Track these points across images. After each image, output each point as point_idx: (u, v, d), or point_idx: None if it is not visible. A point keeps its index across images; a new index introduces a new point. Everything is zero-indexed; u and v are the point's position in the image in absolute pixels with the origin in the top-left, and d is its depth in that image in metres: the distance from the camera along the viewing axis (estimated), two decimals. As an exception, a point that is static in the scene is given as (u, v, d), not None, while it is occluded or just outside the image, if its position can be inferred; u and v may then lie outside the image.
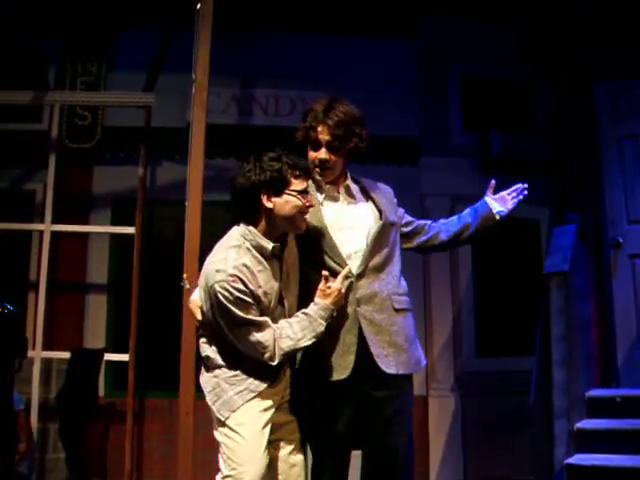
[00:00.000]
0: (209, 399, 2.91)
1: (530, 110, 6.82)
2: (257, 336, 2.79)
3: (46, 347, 5.45)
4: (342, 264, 3.01)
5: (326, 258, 3.03)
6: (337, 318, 2.98)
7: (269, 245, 2.89)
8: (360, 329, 3.01)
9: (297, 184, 2.89)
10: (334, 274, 2.97)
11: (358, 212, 3.17)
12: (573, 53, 6.31)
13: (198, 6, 4.17)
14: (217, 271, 2.77)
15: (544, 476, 4.91)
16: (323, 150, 3.09)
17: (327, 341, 2.97)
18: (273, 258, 2.93)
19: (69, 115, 6.12)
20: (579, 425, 4.95)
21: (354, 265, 3.04)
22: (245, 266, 2.80)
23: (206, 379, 2.95)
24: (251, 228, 2.90)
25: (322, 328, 2.86)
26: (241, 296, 2.76)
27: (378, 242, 3.10)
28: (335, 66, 6.43)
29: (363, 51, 6.51)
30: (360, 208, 3.19)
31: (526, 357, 5.50)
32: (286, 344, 2.82)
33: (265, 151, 2.93)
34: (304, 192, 2.91)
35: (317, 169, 3.11)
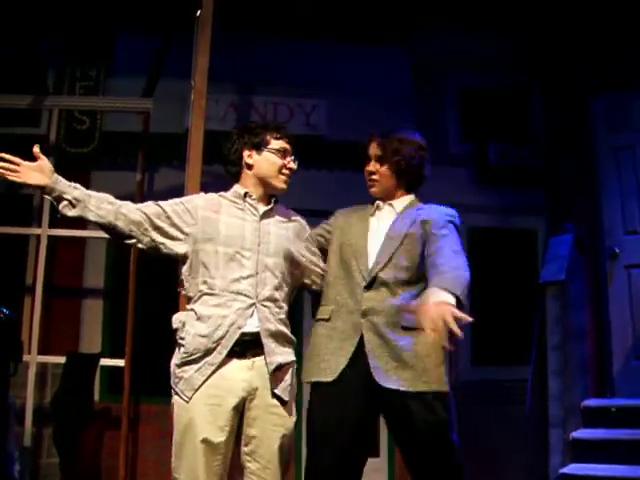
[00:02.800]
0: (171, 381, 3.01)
1: (527, 120, 6.84)
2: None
3: (42, 351, 5.45)
4: (363, 270, 3.08)
5: (352, 261, 3.13)
6: (341, 325, 3.05)
7: (241, 189, 3.07)
8: (361, 339, 3.02)
9: (276, 144, 3.09)
10: (351, 277, 3.09)
11: (394, 227, 3.20)
12: (571, 64, 6.34)
13: (198, 13, 4.19)
14: None
15: (539, 486, 4.91)
16: (371, 163, 3.30)
17: (325, 344, 3.05)
18: (254, 209, 3.05)
19: (67, 120, 6.13)
20: (574, 435, 4.96)
21: (368, 275, 3.08)
22: (211, 197, 3.11)
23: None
24: (236, 184, 3.14)
25: None
26: (184, 199, 3.07)
27: (391, 255, 3.11)
28: (333, 74, 6.46)
29: (361, 60, 6.53)
30: (397, 224, 3.20)
31: (522, 366, 5.51)
32: None
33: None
34: (284, 152, 3.10)
35: (368, 182, 3.33)
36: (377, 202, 3.31)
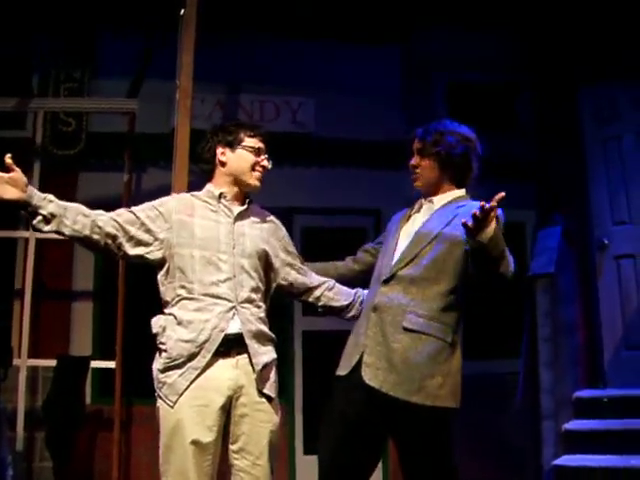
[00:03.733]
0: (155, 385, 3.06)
1: (517, 114, 6.86)
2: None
3: (32, 355, 5.42)
4: (387, 264, 3.12)
5: (380, 261, 3.22)
6: (360, 320, 3.13)
7: (215, 189, 3.05)
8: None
9: (250, 142, 3.08)
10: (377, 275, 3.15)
11: (425, 225, 3.16)
12: (559, 58, 6.35)
13: (182, 12, 4.17)
14: None
15: (532, 478, 4.92)
16: (414, 157, 3.30)
17: (350, 339, 3.16)
18: (227, 210, 3.03)
19: (53, 122, 6.09)
20: (566, 426, 4.98)
21: (389, 271, 3.09)
22: (184, 198, 3.11)
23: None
24: (208, 184, 3.12)
25: None
26: (156, 203, 3.03)
27: (416, 253, 3.07)
28: (320, 72, 6.45)
29: (348, 57, 6.53)
30: (430, 223, 3.15)
31: (512, 359, 5.53)
32: None
33: None
34: (258, 150, 3.09)
35: (412, 177, 3.31)
36: (420, 200, 3.31)
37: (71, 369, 5.37)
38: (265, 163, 3.10)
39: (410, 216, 3.29)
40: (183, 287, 2.89)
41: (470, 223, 2.68)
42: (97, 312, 6.04)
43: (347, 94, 6.44)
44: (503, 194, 2.72)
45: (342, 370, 3.08)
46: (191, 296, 2.87)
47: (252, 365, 2.86)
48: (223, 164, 3.06)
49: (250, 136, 3.10)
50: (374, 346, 2.98)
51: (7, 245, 5.87)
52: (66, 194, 6.00)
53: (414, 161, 3.27)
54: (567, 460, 4.78)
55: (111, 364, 5.44)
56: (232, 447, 2.88)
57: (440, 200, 3.22)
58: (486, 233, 2.72)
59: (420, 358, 2.93)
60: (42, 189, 5.57)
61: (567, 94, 6.32)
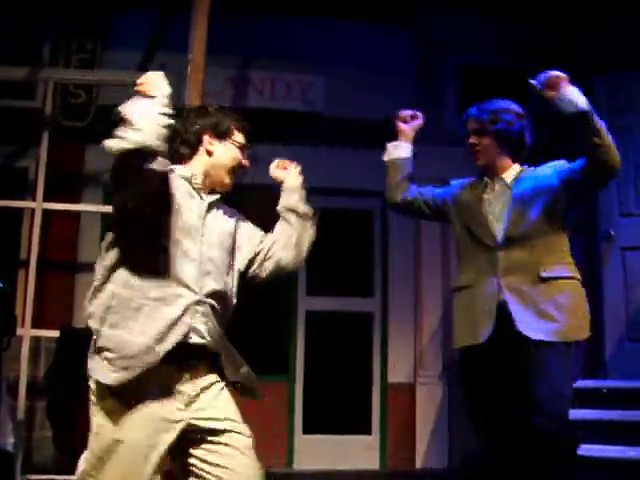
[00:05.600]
0: None
1: (526, 99, 6.81)
2: None
3: (35, 325, 5.43)
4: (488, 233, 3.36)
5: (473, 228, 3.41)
6: (475, 287, 3.32)
7: (189, 174, 2.74)
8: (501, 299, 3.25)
9: (239, 137, 2.89)
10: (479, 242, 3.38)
11: (515, 195, 3.43)
12: (573, 44, 6.30)
13: (196, -14, 4.15)
14: None
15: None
16: (472, 136, 3.48)
17: (464, 310, 3.35)
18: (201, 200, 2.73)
19: (63, 93, 6.07)
20: (566, 415, 4.98)
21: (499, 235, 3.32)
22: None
23: None
24: (180, 166, 2.78)
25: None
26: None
27: (519, 213, 3.34)
28: (332, 50, 6.42)
29: (361, 36, 6.49)
30: (519, 187, 3.45)
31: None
32: None
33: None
34: (242, 146, 2.89)
35: (474, 155, 3.50)
36: (485, 179, 3.47)
37: (74, 341, 5.37)
38: (246, 163, 2.90)
39: (482, 196, 3.46)
40: None
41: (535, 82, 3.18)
42: (101, 285, 6.05)
43: (358, 74, 6.42)
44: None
45: (476, 339, 3.27)
46: None
47: None
48: (209, 153, 2.81)
49: (238, 129, 2.90)
50: (516, 306, 3.21)
51: (13, 215, 5.87)
52: (74, 166, 6.08)
53: (473, 140, 3.44)
54: (565, 449, 4.79)
55: (114, 337, 5.44)
56: None
57: (509, 177, 3.47)
58: (570, 102, 3.37)
59: (566, 299, 3.29)
60: (50, 160, 5.63)
61: (580, 81, 6.26)
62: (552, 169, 3.53)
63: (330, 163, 6.21)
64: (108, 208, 5.72)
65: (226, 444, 2.52)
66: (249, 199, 6.00)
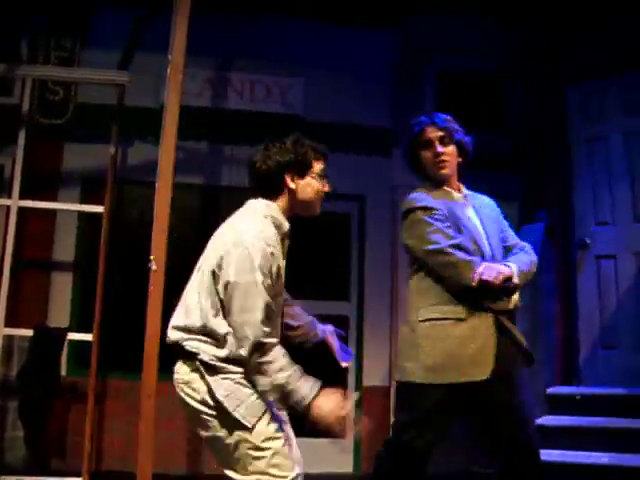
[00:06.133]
0: (228, 405, 2.66)
1: (502, 107, 6.86)
2: (259, 308, 2.62)
3: (9, 324, 5.38)
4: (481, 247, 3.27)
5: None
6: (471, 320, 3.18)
7: (286, 223, 2.87)
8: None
9: (318, 166, 2.93)
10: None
11: (485, 214, 3.42)
12: (547, 53, 6.35)
13: (177, -14, 4.12)
14: (255, 236, 2.69)
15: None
16: (436, 145, 3.32)
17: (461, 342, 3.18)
18: (284, 240, 2.88)
19: (41, 90, 6.04)
20: (539, 421, 5.02)
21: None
22: (275, 235, 2.78)
23: (216, 384, 2.69)
24: (270, 203, 2.86)
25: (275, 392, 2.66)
26: (270, 260, 2.68)
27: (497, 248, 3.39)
28: (311, 53, 6.43)
29: (340, 40, 6.50)
30: (483, 211, 3.44)
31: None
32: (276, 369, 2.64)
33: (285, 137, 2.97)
34: (322, 175, 2.94)
35: (438, 165, 3.32)
36: (446, 189, 3.37)
37: (48, 340, 5.34)
38: (327, 189, 2.97)
39: (462, 210, 3.36)
40: None
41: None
42: (76, 284, 6.02)
43: (337, 78, 6.43)
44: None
45: (476, 373, 3.14)
46: None
47: None
48: (291, 190, 2.87)
49: (317, 160, 2.94)
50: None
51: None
52: (51, 164, 6.04)
53: (440, 149, 3.30)
54: (538, 455, 4.82)
55: (88, 337, 5.41)
56: None
57: (469, 193, 3.46)
58: (514, 301, 3.17)
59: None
60: (27, 158, 5.59)
61: (555, 90, 6.33)
62: (498, 213, 3.50)
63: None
64: (85, 207, 5.72)
65: None
66: (227, 201, 6.01)
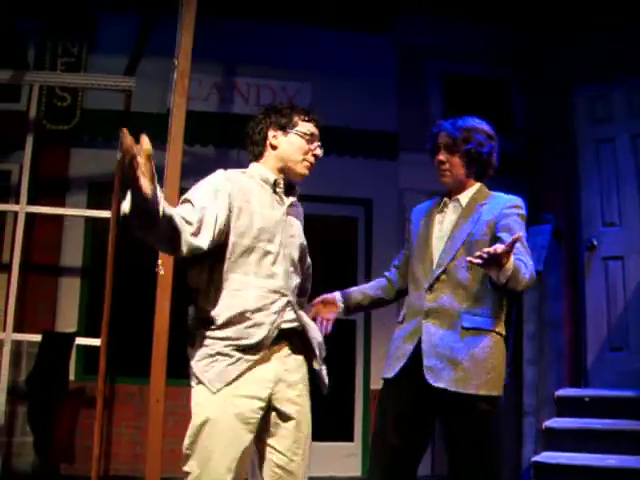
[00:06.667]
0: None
1: (509, 109, 6.86)
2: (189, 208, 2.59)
3: (17, 329, 5.40)
4: (427, 270, 3.16)
5: (419, 265, 3.21)
6: (407, 325, 3.19)
7: (272, 176, 2.83)
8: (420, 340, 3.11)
9: (304, 126, 2.88)
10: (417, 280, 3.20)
11: (457, 226, 3.20)
12: (554, 55, 6.34)
13: (183, -8, 4.14)
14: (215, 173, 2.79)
15: (511, 473, 4.95)
16: (441, 152, 3.26)
17: (394, 342, 3.25)
18: (280, 195, 2.85)
19: (48, 96, 6.06)
20: (547, 424, 5.01)
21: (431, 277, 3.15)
22: (243, 179, 2.79)
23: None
24: (255, 163, 2.89)
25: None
26: (214, 182, 2.71)
27: (454, 255, 3.14)
28: (318, 58, 6.46)
29: (346, 45, 6.52)
30: (461, 223, 3.20)
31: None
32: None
33: None
34: (311, 136, 2.90)
35: (439, 172, 3.28)
36: (444, 199, 3.31)
37: (56, 345, 5.36)
38: (318, 151, 2.93)
39: (435, 215, 3.29)
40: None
41: (477, 261, 2.67)
42: (84, 289, 6.04)
43: (344, 82, 6.44)
44: (519, 235, 2.73)
45: (388, 372, 3.22)
46: None
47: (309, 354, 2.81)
48: (274, 147, 2.85)
49: (304, 120, 2.89)
50: (432, 349, 3.05)
51: (-4, 218, 5.85)
52: (58, 169, 6.06)
53: (442, 157, 3.26)
54: (546, 457, 4.81)
55: (96, 342, 5.42)
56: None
57: (464, 198, 3.27)
58: (504, 272, 2.76)
59: (484, 353, 3.04)
60: (34, 163, 5.62)
61: (562, 93, 6.32)
62: (492, 218, 3.24)
63: (315, 171, 6.19)
64: (92, 212, 5.74)
65: None
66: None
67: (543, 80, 6.48)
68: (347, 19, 6.46)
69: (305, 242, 2.93)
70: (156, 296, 3.75)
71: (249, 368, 2.63)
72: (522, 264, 2.88)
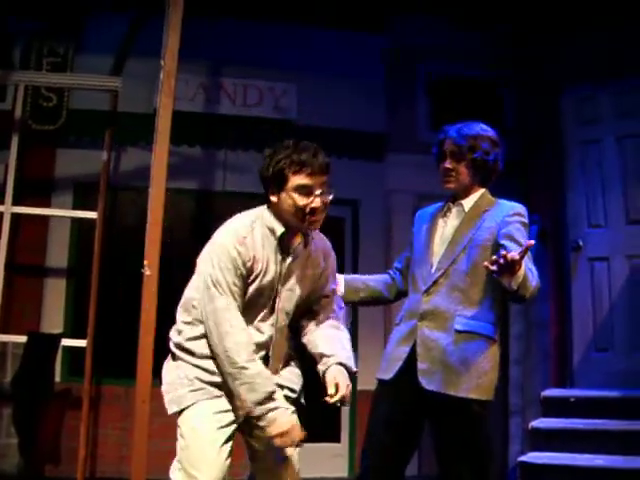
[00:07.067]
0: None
1: (498, 111, 6.87)
2: (220, 306, 2.68)
3: (2, 330, 5.38)
4: (427, 273, 3.18)
5: (417, 269, 3.25)
6: (402, 327, 3.22)
7: (279, 228, 2.78)
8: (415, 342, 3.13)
9: (295, 180, 2.71)
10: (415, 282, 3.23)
11: (458, 231, 3.22)
12: (542, 57, 6.36)
13: (169, -8, 4.12)
14: (229, 232, 2.77)
15: (497, 473, 4.96)
16: (447, 160, 3.28)
17: (390, 344, 3.29)
18: (283, 246, 2.84)
19: (34, 96, 6.03)
20: (533, 424, 5.03)
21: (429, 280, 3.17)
22: (254, 234, 2.78)
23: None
24: (265, 208, 2.85)
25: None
26: (237, 259, 2.70)
27: (453, 259, 3.16)
28: (304, 59, 6.45)
29: (333, 45, 6.52)
30: (463, 228, 3.22)
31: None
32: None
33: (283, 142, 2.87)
34: (303, 188, 2.71)
35: (443, 178, 3.29)
36: (448, 203, 3.33)
37: (41, 346, 5.33)
38: (316, 204, 2.74)
39: (438, 219, 3.31)
40: None
41: (494, 267, 2.65)
42: (70, 290, 6.01)
43: (330, 82, 6.44)
44: (531, 243, 2.71)
45: (384, 374, 3.28)
46: None
47: None
48: (273, 204, 2.78)
49: (296, 173, 2.71)
50: (425, 352, 3.09)
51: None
52: (44, 170, 6.03)
53: (450, 165, 3.26)
54: (532, 457, 4.83)
55: (82, 343, 5.41)
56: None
57: (468, 203, 3.28)
58: (515, 279, 2.76)
59: (476, 357, 3.08)
60: (20, 164, 5.59)
61: (552, 94, 6.34)
62: (494, 226, 3.24)
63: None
64: (78, 213, 5.72)
65: None
66: (221, 206, 6.01)
67: (534, 81, 6.50)
68: (336, 19, 6.44)
69: (320, 281, 2.98)
70: (142, 297, 3.74)
71: (215, 397, 2.77)
72: (530, 272, 2.90)
